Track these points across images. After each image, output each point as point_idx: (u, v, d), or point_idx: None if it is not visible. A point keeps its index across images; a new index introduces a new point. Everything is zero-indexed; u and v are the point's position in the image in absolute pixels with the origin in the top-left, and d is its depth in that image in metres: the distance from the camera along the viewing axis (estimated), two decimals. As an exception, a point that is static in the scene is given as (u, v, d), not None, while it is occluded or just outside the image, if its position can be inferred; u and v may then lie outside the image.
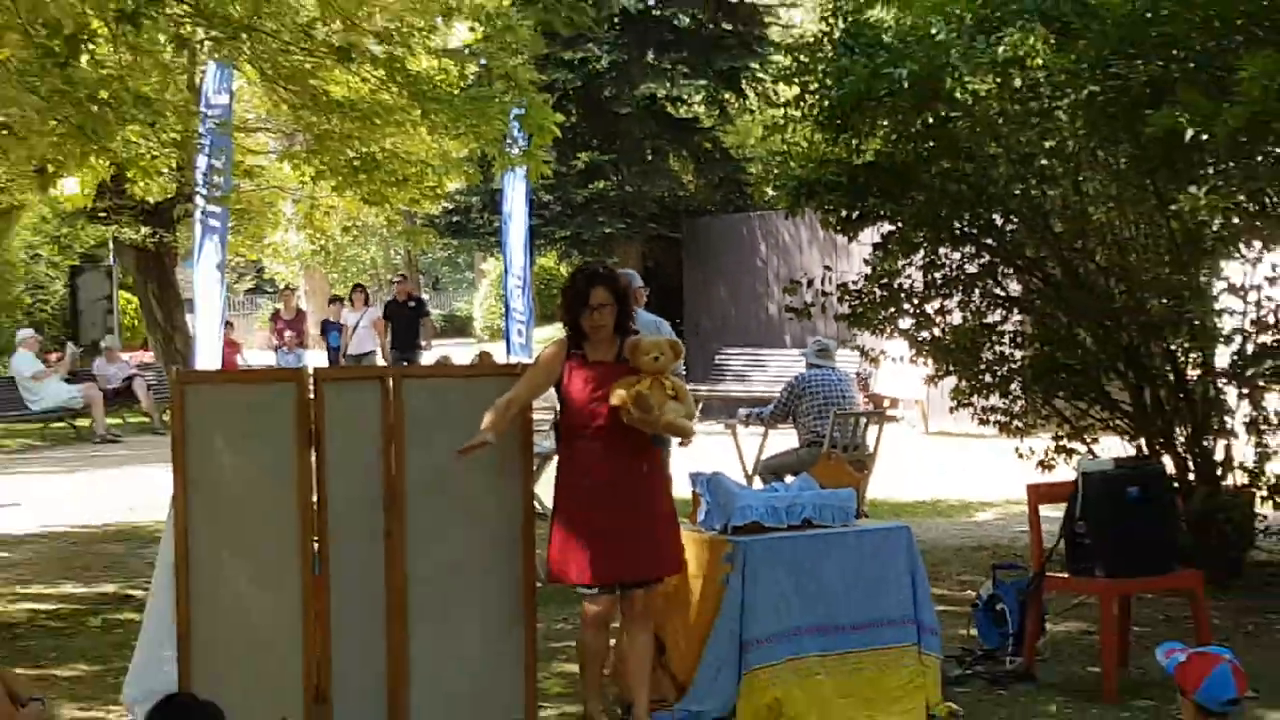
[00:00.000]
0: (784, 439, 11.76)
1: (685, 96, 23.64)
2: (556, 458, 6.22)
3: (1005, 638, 7.23)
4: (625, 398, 5.92)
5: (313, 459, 5.95)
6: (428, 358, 20.15)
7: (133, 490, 13.88)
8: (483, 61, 11.43)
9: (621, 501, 6.00)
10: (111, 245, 25.03)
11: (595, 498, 5.98)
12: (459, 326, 44.09)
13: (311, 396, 6.00)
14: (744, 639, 6.07)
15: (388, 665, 6.16)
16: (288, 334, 21.56)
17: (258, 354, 28.63)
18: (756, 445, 11.89)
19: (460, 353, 20.27)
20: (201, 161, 10.55)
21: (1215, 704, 4.52)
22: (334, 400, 6.03)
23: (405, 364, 18.71)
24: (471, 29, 11.86)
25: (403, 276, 23.43)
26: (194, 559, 5.93)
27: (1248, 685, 4.76)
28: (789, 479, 8.12)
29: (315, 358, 22.04)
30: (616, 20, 22.30)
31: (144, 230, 20.43)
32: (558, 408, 6.20)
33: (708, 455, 10.43)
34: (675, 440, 7.17)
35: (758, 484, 10.39)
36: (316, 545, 5.96)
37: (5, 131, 11.33)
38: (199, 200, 10.84)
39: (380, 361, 20.10)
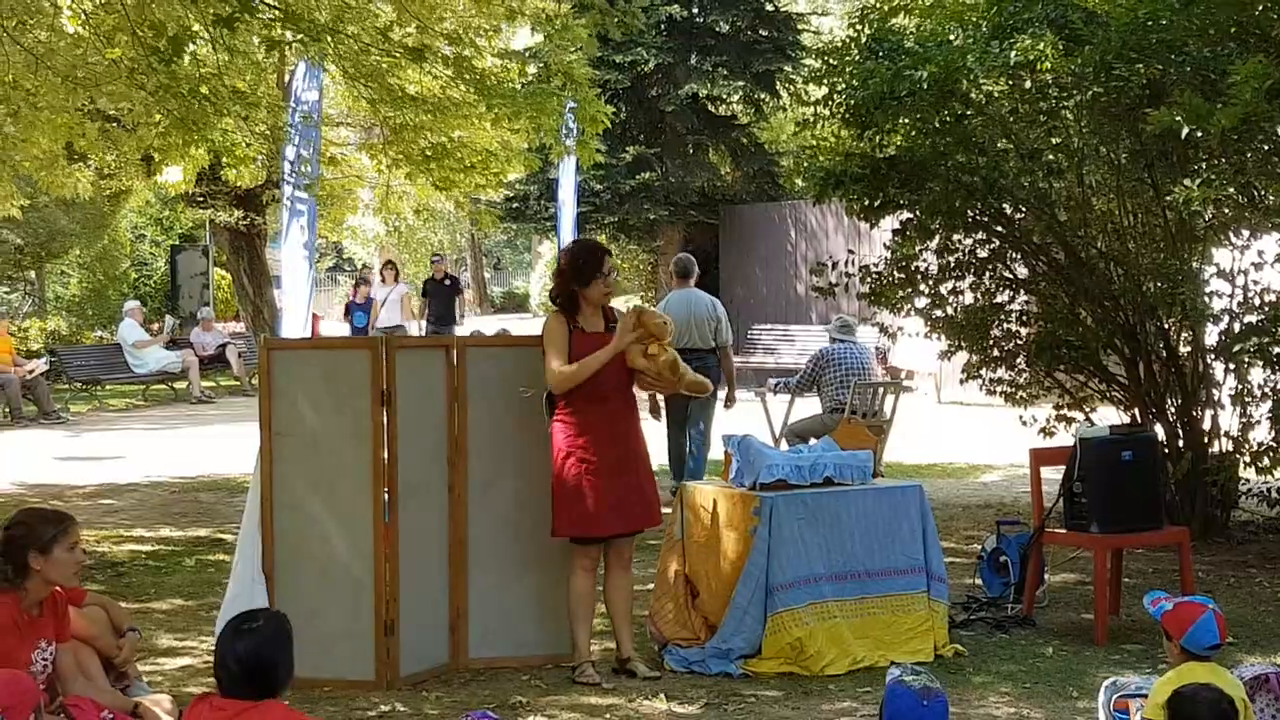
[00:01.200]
0: (809, 406, 11.74)
1: (724, 96, 23.54)
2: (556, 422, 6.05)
3: (1007, 587, 7.21)
4: (651, 365, 5.92)
5: (384, 418, 5.98)
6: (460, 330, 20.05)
7: (224, 445, 13.97)
8: (541, 63, 11.43)
9: (622, 460, 6.01)
10: (208, 227, 25.18)
11: (602, 459, 5.95)
12: (518, 302, 44.26)
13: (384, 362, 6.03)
14: (769, 584, 6.06)
15: (449, 603, 6.22)
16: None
17: (336, 325, 28.78)
18: (784, 411, 11.86)
19: (518, 325, 20.31)
20: (290, 151, 10.57)
21: (1199, 648, 4.49)
22: (404, 365, 6.05)
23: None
24: (533, 31, 11.85)
25: (439, 256, 22.48)
26: (278, 507, 5.99)
27: (1228, 632, 4.73)
28: (813, 441, 8.10)
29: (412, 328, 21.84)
30: (663, 26, 22.24)
31: (237, 214, 20.54)
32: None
33: (740, 419, 10.45)
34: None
35: (784, 446, 10.37)
36: (387, 495, 5.99)
37: (114, 124, 11.44)
38: (287, 186, 10.88)
39: (412, 334, 20.00)
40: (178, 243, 28.25)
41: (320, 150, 11.95)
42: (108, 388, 20.04)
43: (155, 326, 21.83)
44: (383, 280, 20.57)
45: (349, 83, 10.82)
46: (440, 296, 20.01)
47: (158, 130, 9.78)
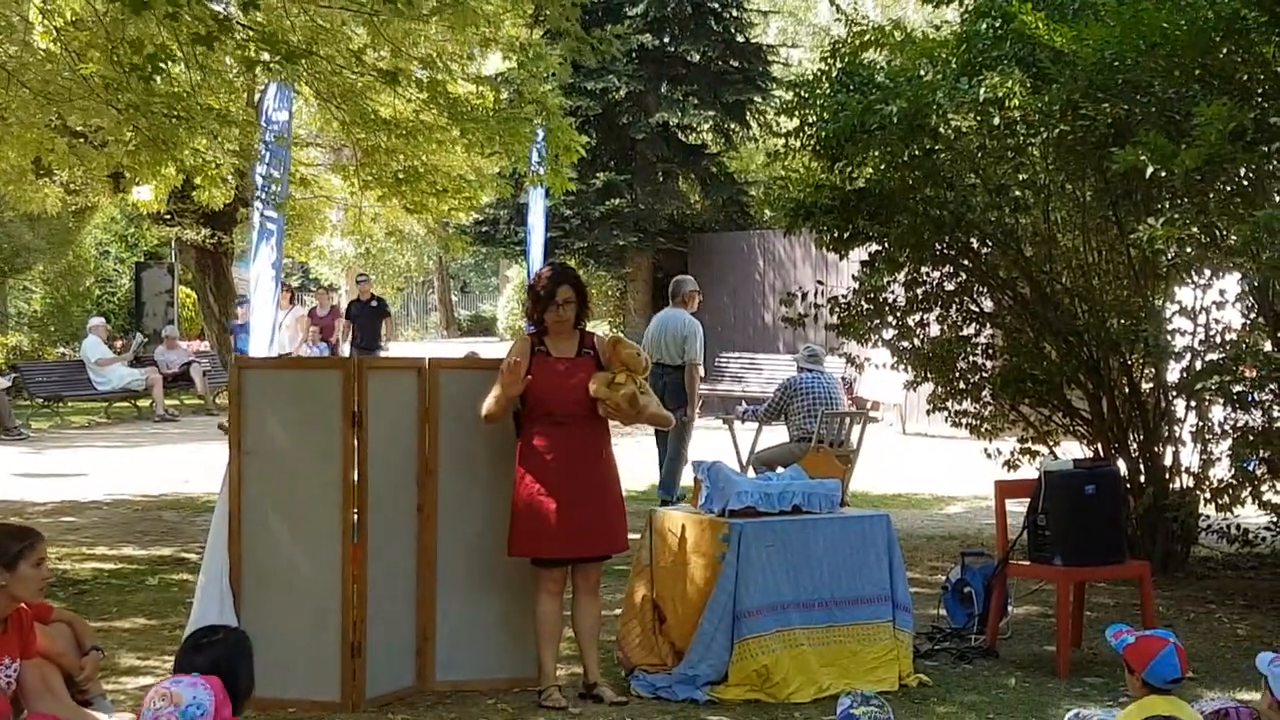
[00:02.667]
0: (775, 434, 11.80)
1: (695, 125, 23.67)
2: (519, 444, 6.10)
3: (971, 618, 7.26)
4: (611, 395, 5.97)
5: (354, 439, 5.98)
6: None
7: (187, 464, 13.94)
8: (512, 88, 11.47)
9: (582, 484, 6.02)
10: (174, 244, 25.07)
11: (559, 481, 5.97)
12: (484, 326, 44.26)
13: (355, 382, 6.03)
14: (737, 611, 6.08)
15: (417, 625, 6.21)
16: (311, 329, 20.72)
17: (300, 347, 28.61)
18: (751, 439, 11.92)
19: (485, 349, 20.22)
20: (261, 170, 10.59)
21: (1161, 681, 4.54)
22: (375, 386, 6.06)
23: None
24: (506, 58, 11.91)
25: (364, 277, 21.58)
26: (246, 526, 5.98)
27: (1188, 666, 4.79)
28: (779, 470, 8.15)
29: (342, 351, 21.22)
30: (634, 55, 22.37)
31: (204, 232, 20.47)
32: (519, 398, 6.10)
33: (707, 446, 10.52)
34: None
35: (751, 474, 10.42)
36: (356, 516, 5.99)
37: (81, 140, 11.40)
38: (257, 205, 10.89)
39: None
40: (142, 260, 28.13)
41: (290, 170, 11.96)
42: (70, 404, 19.90)
43: (119, 343, 21.71)
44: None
45: (321, 104, 10.84)
46: (365, 319, 19.33)
47: (128, 148, 9.77)
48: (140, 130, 8.75)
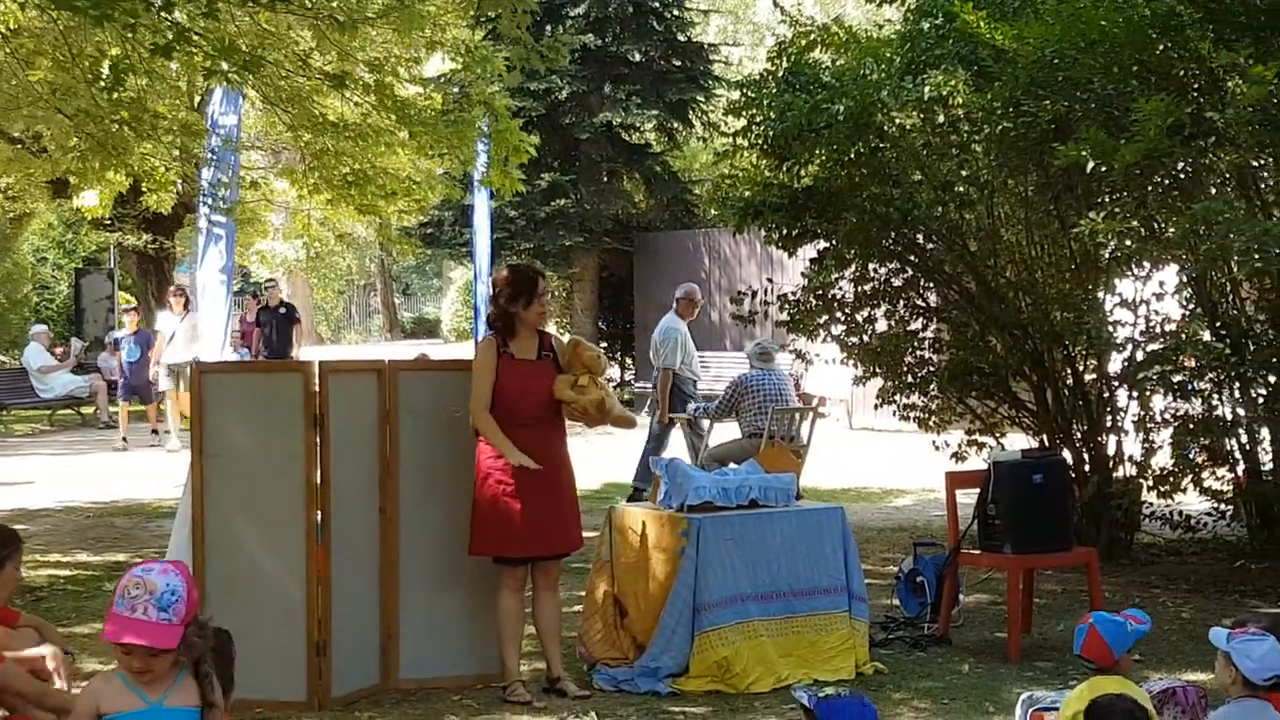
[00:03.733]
0: (727, 431, 11.92)
1: (638, 124, 23.78)
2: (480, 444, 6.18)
3: (924, 607, 7.41)
4: (579, 399, 6.08)
5: (317, 440, 6.04)
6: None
7: (135, 470, 13.86)
8: (457, 89, 11.53)
9: (544, 485, 6.12)
10: (113, 250, 24.89)
11: (523, 482, 6.06)
12: (428, 328, 44.20)
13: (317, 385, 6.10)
14: (697, 604, 6.20)
15: (381, 624, 6.28)
16: (232, 334, 20.45)
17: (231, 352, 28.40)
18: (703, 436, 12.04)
19: (433, 351, 20.23)
20: (208, 174, 10.56)
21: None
22: (336, 388, 6.12)
23: None
24: (452, 59, 11.97)
25: (273, 282, 20.89)
26: (210, 528, 6.02)
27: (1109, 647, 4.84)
28: (733, 466, 8.28)
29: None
30: (577, 55, 22.42)
31: (146, 237, 20.36)
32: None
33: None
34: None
35: (704, 470, 10.60)
36: (319, 517, 6.05)
37: (19, 146, 11.36)
38: (203, 209, 10.86)
39: None
40: (81, 266, 27.88)
41: (239, 174, 11.93)
42: (13, 413, 19.73)
43: (60, 350, 21.53)
44: (171, 309, 16.94)
45: (269, 108, 10.86)
46: (275, 326, 18.86)
47: (75, 155, 9.75)
48: (90, 136, 8.76)
